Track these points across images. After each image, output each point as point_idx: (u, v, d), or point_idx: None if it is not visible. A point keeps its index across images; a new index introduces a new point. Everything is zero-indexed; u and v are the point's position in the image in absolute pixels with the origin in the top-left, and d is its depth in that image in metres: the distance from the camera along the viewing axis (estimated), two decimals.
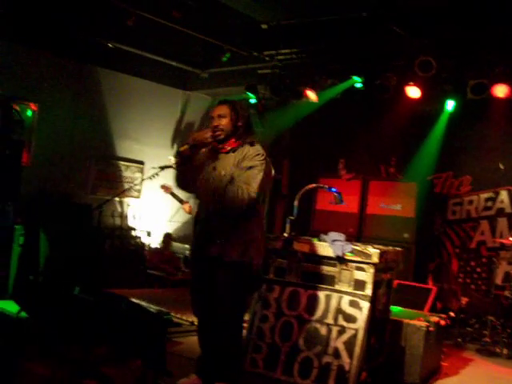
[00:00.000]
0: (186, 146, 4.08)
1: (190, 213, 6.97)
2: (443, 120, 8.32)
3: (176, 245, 9.95)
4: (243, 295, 4.18)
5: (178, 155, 4.14)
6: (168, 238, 9.70)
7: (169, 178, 7.54)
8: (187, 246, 9.90)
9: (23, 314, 5.25)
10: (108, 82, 9.53)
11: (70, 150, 9.04)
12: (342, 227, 6.80)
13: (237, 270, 4.02)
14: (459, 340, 6.97)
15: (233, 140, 4.16)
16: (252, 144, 4.14)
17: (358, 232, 8.38)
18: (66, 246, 6.75)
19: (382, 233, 8.10)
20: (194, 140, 4.08)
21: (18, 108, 7.47)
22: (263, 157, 4.09)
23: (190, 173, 4.19)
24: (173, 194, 7.20)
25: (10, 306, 5.81)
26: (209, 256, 4.05)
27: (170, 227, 10.31)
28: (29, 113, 8.56)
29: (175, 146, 10.52)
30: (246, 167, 4.01)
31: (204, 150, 4.26)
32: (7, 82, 8.18)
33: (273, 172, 4.33)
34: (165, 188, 7.32)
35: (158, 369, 3.82)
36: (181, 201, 7.13)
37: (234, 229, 4.02)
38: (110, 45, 8.59)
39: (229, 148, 4.17)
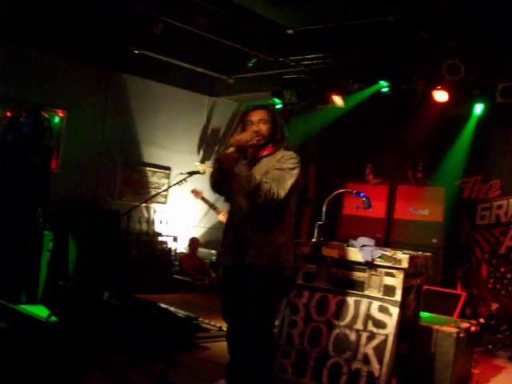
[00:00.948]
0: (232, 149, 3.94)
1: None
2: (471, 124, 8.23)
3: (203, 250, 9.99)
4: (275, 301, 4.15)
5: (221, 160, 4.05)
6: (194, 242, 9.73)
7: (196, 183, 7.58)
8: (214, 251, 9.94)
9: (53, 318, 5.31)
10: (134, 89, 9.62)
11: (97, 156, 9.14)
12: (370, 232, 6.75)
13: (269, 275, 4.00)
14: (490, 347, 6.87)
15: (269, 146, 4.14)
16: (286, 149, 4.14)
17: (386, 237, 8.31)
18: (94, 252, 6.80)
19: (410, 238, 8.03)
20: (237, 142, 4.01)
21: (46, 115, 7.56)
22: (297, 160, 4.07)
23: (228, 176, 4.14)
24: (204, 199, 7.20)
25: (41, 311, 5.88)
26: (241, 261, 4.02)
27: (197, 232, 10.35)
28: (56, 119, 8.67)
29: (201, 152, 10.57)
30: (279, 168, 4.00)
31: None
32: (35, 90, 8.32)
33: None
34: (195, 193, 7.32)
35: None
36: (213, 207, 7.11)
37: (266, 233, 4.00)
38: (136, 52, 8.65)
39: (264, 153, 4.13)
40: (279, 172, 3.98)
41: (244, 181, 3.94)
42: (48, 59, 8.47)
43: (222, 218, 6.95)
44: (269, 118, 4.13)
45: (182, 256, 9.74)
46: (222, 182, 4.15)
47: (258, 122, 4.11)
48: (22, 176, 6.78)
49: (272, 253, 3.98)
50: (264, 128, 4.10)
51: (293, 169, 4.01)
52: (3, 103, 8.01)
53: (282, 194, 3.91)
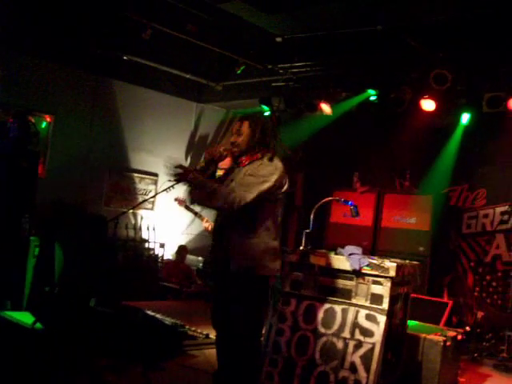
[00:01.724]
0: (202, 164, 4.13)
1: (209, 229, 6.94)
2: (458, 133, 8.29)
3: (190, 257, 9.95)
4: (259, 308, 4.13)
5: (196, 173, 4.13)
6: (183, 250, 9.70)
7: (183, 190, 7.55)
8: (201, 258, 9.91)
9: (38, 325, 5.26)
10: (123, 95, 9.58)
11: (85, 162, 9.09)
12: (356, 240, 6.76)
13: (250, 283, 3.99)
14: (476, 355, 6.89)
15: (249, 155, 4.15)
16: (271, 159, 4.12)
17: (373, 245, 8.34)
18: (81, 258, 6.76)
19: (397, 246, 8.07)
20: (209, 155, 4.11)
21: (33, 120, 7.52)
22: (274, 168, 4.06)
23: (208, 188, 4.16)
24: (187, 208, 7.19)
25: (26, 318, 5.82)
26: (223, 269, 4.03)
27: (184, 239, 10.32)
28: (43, 124, 8.62)
29: (189, 159, 10.55)
30: (251, 174, 4.02)
31: (224, 165, 4.27)
32: (23, 94, 8.27)
33: (287, 185, 4.28)
34: (179, 201, 7.30)
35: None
36: (198, 215, 7.11)
37: (245, 241, 3.99)
38: (125, 57, 8.64)
39: (246, 162, 4.16)
40: (250, 177, 4.00)
41: (198, 188, 4.06)
42: (36, 64, 8.42)
43: (207, 224, 6.95)
44: (245, 129, 4.16)
45: (165, 263, 9.71)
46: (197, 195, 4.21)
47: (236, 133, 4.18)
48: (8, 181, 6.73)
49: (252, 260, 3.98)
50: (239, 139, 4.15)
51: (265, 176, 4.01)
52: None
53: (248, 198, 3.90)
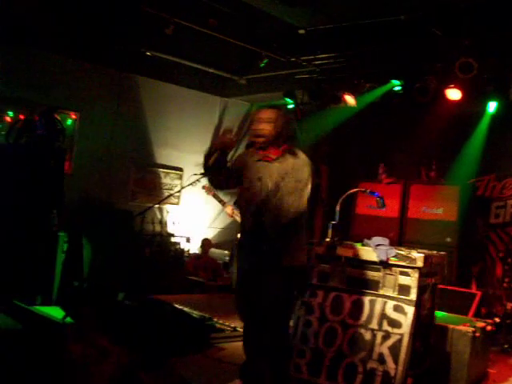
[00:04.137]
0: (212, 158, 3.98)
1: (231, 215, 6.96)
2: (485, 122, 8.19)
3: (216, 251, 9.99)
4: (292, 301, 4.15)
5: (206, 169, 4.08)
6: (206, 243, 9.74)
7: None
8: (227, 251, 9.94)
9: (68, 319, 5.33)
10: (147, 90, 9.64)
11: (110, 158, 9.17)
12: (383, 232, 6.71)
13: (290, 276, 3.98)
14: (506, 346, 6.80)
15: (275, 148, 4.09)
16: (294, 153, 4.08)
17: (399, 236, 8.29)
18: (108, 253, 6.83)
19: (424, 237, 8.00)
20: (215, 147, 3.99)
21: (59, 117, 7.59)
22: (310, 167, 4.05)
23: (224, 179, 4.14)
24: (215, 196, 7.21)
25: (56, 312, 5.91)
26: (259, 264, 4.00)
27: (210, 233, 10.36)
28: (69, 122, 8.71)
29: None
30: (294, 179, 3.98)
31: (244, 153, 4.22)
32: (48, 92, 8.36)
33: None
34: (207, 189, 7.32)
35: None
36: (222, 202, 7.13)
37: (284, 236, 3.98)
38: (148, 53, 8.68)
39: (274, 157, 4.09)
40: (295, 184, 3.97)
41: None
42: (60, 62, 8.51)
43: (229, 210, 6.97)
44: (274, 118, 4.03)
45: (190, 257, 9.76)
46: (216, 180, 4.18)
47: (262, 121, 4.04)
48: (35, 178, 6.82)
49: (291, 254, 3.97)
50: (268, 127, 4.01)
51: (306, 178, 4.00)
52: (17, 106, 8.05)
53: (302, 205, 3.92)
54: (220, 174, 4.08)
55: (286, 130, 4.09)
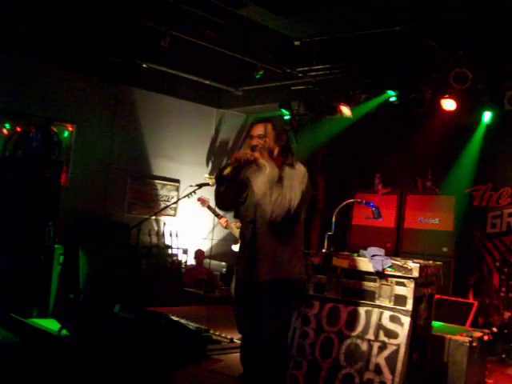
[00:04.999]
0: (229, 169, 3.93)
1: (226, 227, 6.99)
2: (480, 132, 8.20)
3: (213, 262, 9.98)
4: (289, 313, 4.11)
5: (221, 179, 4.04)
6: (199, 254, 9.74)
7: (205, 194, 7.58)
8: (224, 263, 9.93)
9: (64, 331, 5.32)
10: (143, 102, 9.67)
11: (107, 170, 9.19)
12: (379, 242, 6.71)
13: (286, 288, 3.96)
14: (503, 356, 6.80)
15: (272, 162, 4.06)
16: (291, 165, 4.07)
17: (396, 247, 8.28)
18: (104, 265, 6.82)
19: (420, 247, 7.99)
20: (236, 160, 3.97)
21: (55, 130, 7.61)
22: (305, 174, 4.02)
23: (232, 194, 4.13)
24: (210, 208, 7.23)
25: (52, 324, 5.89)
26: (255, 276, 3.98)
27: (207, 245, 10.35)
28: (66, 134, 8.73)
29: (210, 164, 10.59)
30: (285, 183, 3.96)
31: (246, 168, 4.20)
32: (45, 104, 8.38)
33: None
34: (202, 201, 7.33)
35: None
36: (217, 215, 7.15)
37: (278, 248, 3.96)
38: (144, 65, 8.71)
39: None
40: (289, 182, 3.95)
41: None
42: (57, 74, 8.54)
43: (224, 223, 6.98)
44: (268, 132, 4.03)
45: (186, 269, 9.75)
46: (224, 200, 4.16)
47: (258, 136, 4.03)
48: (32, 190, 6.82)
49: (288, 265, 3.95)
50: (262, 142, 4.00)
51: (300, 179, 3.98)
52: (13, 118, 8.08)
53: (295, 202, 3.87)
54: (231, 186, 4.06)
55: (278, 143, 4.07)
